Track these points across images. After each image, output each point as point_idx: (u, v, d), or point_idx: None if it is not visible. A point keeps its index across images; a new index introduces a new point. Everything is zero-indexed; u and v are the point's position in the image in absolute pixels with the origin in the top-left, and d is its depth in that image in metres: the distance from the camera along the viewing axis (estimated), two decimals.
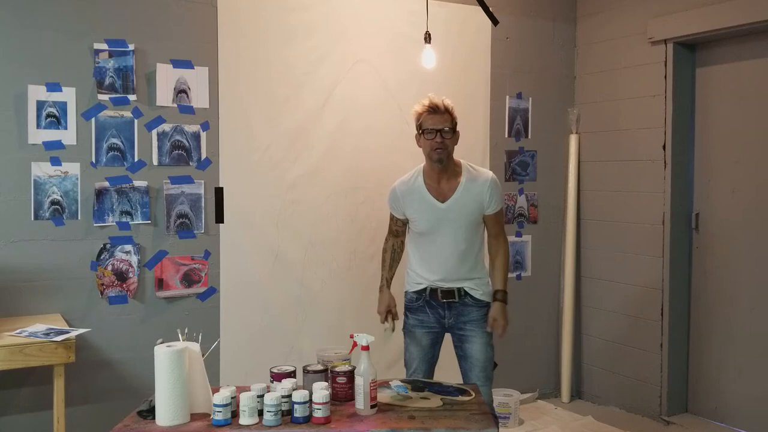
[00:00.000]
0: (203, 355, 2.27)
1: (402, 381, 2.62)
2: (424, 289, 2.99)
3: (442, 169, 2.92)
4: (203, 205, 3.54)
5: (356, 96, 3.89)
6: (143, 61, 3.37)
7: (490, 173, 3.01)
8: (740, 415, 3.92)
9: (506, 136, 4.45)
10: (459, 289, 2.95)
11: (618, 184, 4.39)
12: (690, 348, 4.19)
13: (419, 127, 2.92)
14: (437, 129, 2.84)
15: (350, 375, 2.35)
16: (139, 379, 3.27)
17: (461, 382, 2.95)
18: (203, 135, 3.53)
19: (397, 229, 3.15)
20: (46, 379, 2.88)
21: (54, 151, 3.20)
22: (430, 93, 2.98)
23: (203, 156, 3.53)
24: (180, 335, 2.31)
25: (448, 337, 3.08)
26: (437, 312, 2.99)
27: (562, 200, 4.65)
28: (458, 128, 2.95)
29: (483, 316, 2.98)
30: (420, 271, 3.01)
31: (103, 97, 3.29)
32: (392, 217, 3.13)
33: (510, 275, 4.44)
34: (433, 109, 2.87)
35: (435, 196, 2.94)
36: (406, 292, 3.08)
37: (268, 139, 3.68)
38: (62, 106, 3.21)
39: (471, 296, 2.96)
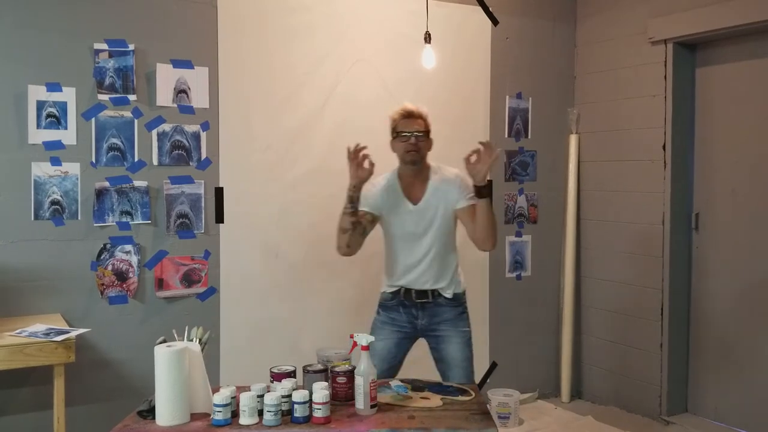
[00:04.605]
0: (202, 349, 2.28)
1: (402, 381, 2.62)
2: (399, 290, 3.01)
3: (415, 172, 2.97)
4: (203, 205, 3.54)
5: (356, 96, 3.89)
6: (143, 61, 3.37)
7: (457, 170, 3.01)
8: (740, 415, 3.92)
9: (506, 136, 4.45)
10: (432, 290, 2.97)
11: (618, 184, 4.39)
12: (690, 348, 4.19)
13: (394, 130, 2.98)
14: (411, 132, 2.92)
15: (350, 375, 2.35)
16: (139, 379, 3.27)
17: None
18: (203, 135, 3.53)
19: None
20: (46, 379, 2.88)
21: (54, 151, 3.20)
22: (407, 101, 3.03)
23: (203, 156, 3.53)
24: (176, 336, 2.30)
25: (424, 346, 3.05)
26: (410, 312, 2.99)
27: (562, 200, 4.65)
28: (433, 135, 2.98)
29: (457, 316, 2.99)
30: (394, 273, 3.02)
31: (103, 97, 3.29)
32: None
33: (510, 275, 4.48)
34: (408, 114, 2.96)
35: (408, 198, 2.97)
36: (382, 292, 3.10)
37: (268, 139, 3.68)
38: (62, 106, 3.21)
39: (444, 296, 2.98)
